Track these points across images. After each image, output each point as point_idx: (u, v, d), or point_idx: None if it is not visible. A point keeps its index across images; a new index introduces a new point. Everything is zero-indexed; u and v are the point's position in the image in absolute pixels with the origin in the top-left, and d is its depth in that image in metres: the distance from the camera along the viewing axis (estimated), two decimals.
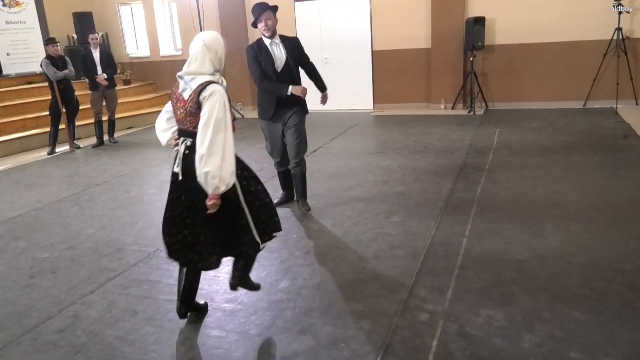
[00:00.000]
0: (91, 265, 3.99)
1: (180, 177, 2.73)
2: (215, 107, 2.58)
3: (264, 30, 4.30)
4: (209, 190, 2.58)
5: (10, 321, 3.24)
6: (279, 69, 4.41)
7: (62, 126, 8.18)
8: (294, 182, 4.84)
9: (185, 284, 2.98)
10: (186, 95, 2.70)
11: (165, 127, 3.01)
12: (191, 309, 3.08)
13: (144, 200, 5.56)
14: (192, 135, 2.66)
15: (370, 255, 3.83)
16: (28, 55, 10.54)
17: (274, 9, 4.33)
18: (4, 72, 10.72)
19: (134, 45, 12.72)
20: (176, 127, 2.90)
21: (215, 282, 3.57)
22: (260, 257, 3.89)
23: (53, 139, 8.14)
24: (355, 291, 3.32)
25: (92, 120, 8.53)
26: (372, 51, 10.13)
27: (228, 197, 2.71)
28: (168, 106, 2.96)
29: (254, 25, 4.36)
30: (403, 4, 9.72)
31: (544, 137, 7.17)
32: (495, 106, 9.61)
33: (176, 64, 11.96)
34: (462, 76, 9.61)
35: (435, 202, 4.84)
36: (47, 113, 8.15)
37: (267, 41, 4.37)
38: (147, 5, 11.93)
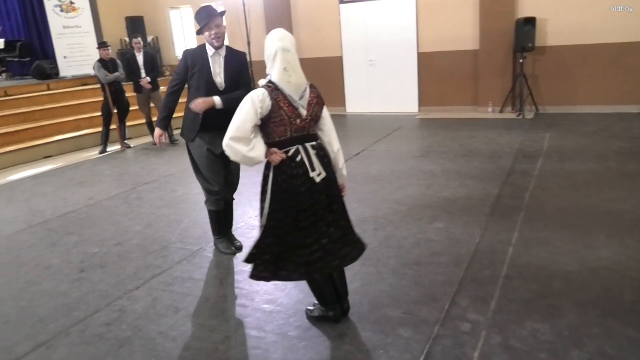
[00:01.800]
0: (137, 261, 4.10)
1: (318, 180, 2.72)
2: (325, 107, 2.86)
3: (213, 39, 3.68)
4: (343, 180, 2.93)
5: (60, 313, 3.37)
6: (212, 85, 3.74)
7: (113, 126, 8.48)
8: (227, 214, 4.16)
9: (329, 287, 2.97)
10: (302, 111, 2.70)
11: (250, 140, 2.67)
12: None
13: (189, 199, 5.68)
14: (312, 137, 2.77)
15: (412, 260, 3.77)
16: (83, 58, 10.99)
17: (223, 14, 3.79)
18: (61, 74, 11.23)
19: (183, 48, 13.04)
20: (262, 142, 2.70)
21: (255, 282, 3.58)
22: None
23: (105, 139, 8.45)
24: (395, 297, 3.28)
25: (144, 121, 8.83)
26: (418, 53, 10.00)
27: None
28: (252, 118, 2.63)
29: (199, 32, 3.72)
30: (450, 5, 9.55)
31: (598, 142, 6.87)
32: (546, 110, 9.29)
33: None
34: (511, 78, 9.34)
35: (480, 208, 4.72)
36: (100, 114, 8.47)
37: (210, 51, 3.75)
38: (195, 9, 12.18)
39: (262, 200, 2.78)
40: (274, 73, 2.65)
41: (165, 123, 4.02)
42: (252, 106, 2.62)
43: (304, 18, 10.91)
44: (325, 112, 2.84)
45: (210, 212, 4.05)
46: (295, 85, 2.65)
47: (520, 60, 8.95)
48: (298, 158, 2.70)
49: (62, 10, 11.00)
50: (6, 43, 12.48)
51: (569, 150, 6.58)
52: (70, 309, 3.41)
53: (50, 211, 5.54)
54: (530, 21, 8.72)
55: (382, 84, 10.44)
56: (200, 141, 3.80)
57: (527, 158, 6.33)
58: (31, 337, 3.10)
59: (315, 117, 2.76)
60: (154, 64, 8.72)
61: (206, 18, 3.65)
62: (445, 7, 9.57)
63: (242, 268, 3.81)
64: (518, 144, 7.04)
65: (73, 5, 11.06)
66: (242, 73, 3.86)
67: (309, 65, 11.05)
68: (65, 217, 5.32)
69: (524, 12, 8.97)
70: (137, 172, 7.06)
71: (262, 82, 2.73)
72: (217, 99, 3.66)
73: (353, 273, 3.61)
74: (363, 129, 9.09)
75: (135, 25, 11.67)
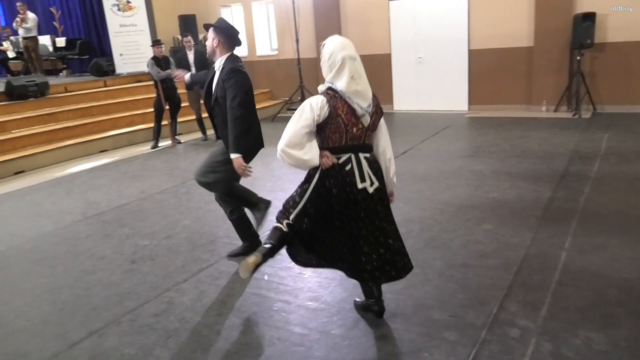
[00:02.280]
0: (186, 255, 4.20)
1: (371, 191, 2.72)
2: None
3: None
4: (393, 187, 2.94)
5: (113, 302, 3.49)
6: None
7: (165, 122, 8.73)
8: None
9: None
10: (365, 121, 2.70)
11: (304, 146, 2.67)
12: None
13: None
14: (367, 147, 2.76)
15: (459, 263, 3.69)
16: (138, 55, 11.36)
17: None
18: (117, 71, 11.65)
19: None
20: (316, 146, 2.69)
21: (300, 279, 3.62)
22: None
23: (156, 134, 8.70)
24: (441, 299, 3.21)
25: (194, 118, 9.04)
26: (469, 50, 9.76)
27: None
28: (309, 124, 2.64)
29: (237, 45, 3.88)
30: (504, 0, 9.27)
31: None
32: (605, 109, 8.88)
33: (271, 63, 12.35)
34: (567, 76, 8.99)
35: (531, 211, 4.57)
36: (152, 110, 8.73)
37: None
38: (246, 7, 12.38)
39: (300, 196, 2.81)
40: (341, 82, 2.63)
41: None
42: (310, 113, 2.63)
43: (353, 15, 10.86)
44: (382, 121, 2.83)
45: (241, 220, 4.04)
46: (363, 92, 2.66)
47: (578, 58, 8.59)
48: (348, 167, 2.70)
49: (119, 10, 11.41)
50: (67, 41, 13.07)
51: (629, 152, 6.27)
52: (121, 299, 3.53)
53: (105, 203, 5.76)
54: (589, 17, 8.36)
55: (431, 82, 10.27)
56: None
57: (583, 160, 6.07)
58: (85, 325, 3.23)
59: (372, 127, 2.75)
60: (204, 62, 8.90)
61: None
62: (499, 3, 9.31)
63: (287, 264, 3.83)
64: (573, 145, 6.76)
65: (129, 4, 11.44)
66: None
67: None
68: (118, 210, 5.51)
69: (582, 7, 8.60)
70: (187, 167, 7.23)
71: (321, 87, 2.72)
72: None
73: None
74: (410, 127, 8.97)
75: (188, 23, 11.95)
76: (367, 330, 2.94)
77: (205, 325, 3.13)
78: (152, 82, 8.79)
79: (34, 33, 11.50)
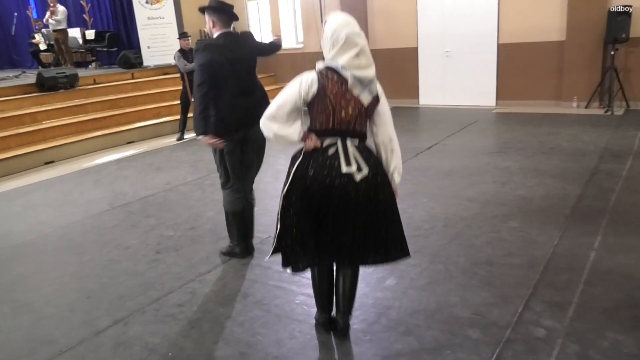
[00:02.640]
0: (209, 246, 4.24)
1: (358, 178, 2.50)
2: (387, 104, 2.63)
3: None
4: (398, 181, 2.68)
5: (137, 292, 3.55)
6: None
7: (190, 114, 8.80)
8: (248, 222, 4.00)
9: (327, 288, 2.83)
10: (366, 100, 2.51)
11: (286, 121, 2.54)
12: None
13: (259, 187, 5.76)
14: (358, 134, 2.56)
15: (483, 260, 3.63)
16: (165, 48, 11.48)
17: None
18: (144, 63, 11.80)
19: (259, 39, 13.29)
20: (300, 125, 2.57)
21: None
22: None
23: (182, 126, 8.78)
24: (464, 297, 3.17)
25: None
26: (498, 44, 9.58)
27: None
28: (294, 100, 2.52)
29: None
30: None
31: None
32: (639, 106, 8.63)
33: (296, 56, 12.33)
34: (599, 72, 8.74)
35: (559, 209, 4.47)
36: (178, 102, 8.82)
37: None
38: (272, 0, 12.38)
39: (284, 183, 2.64)
40: (344, 59, 2.46)
41: None
42: (297, 89, 2.50)
43: (380, 8, 10.77)
44: (383, 108, 2.61)
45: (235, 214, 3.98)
46: (368, 69, 2.49)
47: (612, 53, 8.34)
48: (331, 151, 2.52)
49: (147, 2, 11.53)
50: (96, 34, 13.29)
51: None
52: (146, 289, 3.58)
53: (131, 194, 5.85)
54: (625, 10, 8.10)
55: (458, 76, 10.13)
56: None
57: (614, 157, 5.91)
58: (111, 313, 3.29)
59: (365, 114, 2.55)
60: None
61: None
62: None
63: None
64: (605, 142, 6.59)
65: None
66: None
67: (382, 56, 10.94)
68: (144, 201, 5.59)
69: (618, 0, 8.35)
70: (211, 159, 7.19)
71: (319, 65, 2.57)
72: None
73: (421, 269, 3.54)
74: (436, 122, 8.87)
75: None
76: (388, 325, 2.92)
77: (227, 316, 3.15)
78: (178, 75, 8.87)
79: (63, 26, 11.72)
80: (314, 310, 3.14)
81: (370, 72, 2.51)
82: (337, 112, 2.50)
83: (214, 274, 3.73)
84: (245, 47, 3.75)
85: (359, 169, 2.52)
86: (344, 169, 2.51)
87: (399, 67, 10.72)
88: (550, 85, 9.30)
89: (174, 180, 6.29)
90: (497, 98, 9.85)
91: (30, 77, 10.47)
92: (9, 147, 7.64)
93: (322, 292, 2.83)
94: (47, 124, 8.48)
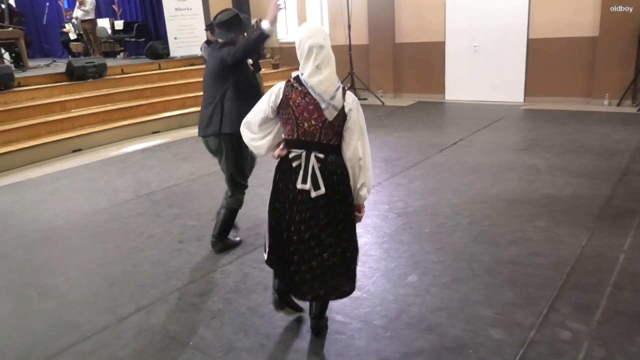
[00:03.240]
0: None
1: (313, 195, 2.47)
2: (360, 117, 2.50)
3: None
4: (362, 200, 2.58)
5: (160, 280, 3.59)
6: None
7: None
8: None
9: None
10: (329, 114, 2.42)
11: (258, 134, 2.62)
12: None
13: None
14: (325, 148, 2.47)
15: (508, 259, 3.57)
16: (191, 39, 11.54)
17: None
18: (171, 54, 11.89)
19: (285, 30, 13.27)
20: (273, 135, 2.61)
21: None
22: (390, 248, 3.85)
23: None
24: (488, 296, 3.12)
25: None
26: (528, 39, 9.38)
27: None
28: (264, 109, 2.56)
29: (234, 37, 3.88)
30: None
31: None
32: None
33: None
34: (633, 69, 8.49)
35: (588, 209, 4.36)
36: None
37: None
38: None
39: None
40: (306, 71, 2.43)
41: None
42: (267, 98, 2.54)
43: (408, 1, 10.62)
44: (352, 124, 2.47)
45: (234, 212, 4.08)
46: (327, 83, 2.41)
47: None
48: (295, 163, 2.49)
49: None
50: (125, 24, 13.43)
51: None
52: (169, 277, 3.62)
53: (156, 183, 5.91)
54: None
55: (485, 71, 9.95)
56: None
57: None
58: (134, 300, 3.33)
59: (330, 126, 2.45)
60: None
61: (242, 30, 3.89)
62: None
63: None
64: (637, 142, 6.40)
65: None
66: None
67: (408, 50, 10.85)
68: (168, 190, 5.65)
69: None
70: None
71: (293, 74, 2.57)
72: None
73: (444, 267, 3.50)
74: (462, 118, 8.74)
75: (242, 8, 11.99)
76: (410, 322, 2.90)
77: (248, 307, 3.16)
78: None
79: (91, 16, 11.90)
80: (335, 304, 3.13)
81: (330, 87, 2.41)
82: (300, 123, 2.47)
83: (236, 265, 3.75)
84: (211, 59, 3.94)
85: (316, 187, 2.46)
86: (299, 184, 2.49)
87: (425, 61, 10.58)
88: (581, 82, 9.07)
89: (197, 171, 6.33)
90: (525, 94, 9.66)
91: (60, 66, 10.65)
92: (38, 135, 7.80)
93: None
94: (75, 113, 8.62)
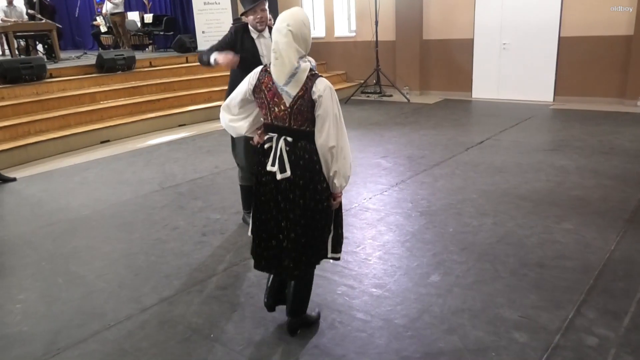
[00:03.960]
0: None
1: (279, 177, 2.49)
2: (333, 104, 2.45)
3: (257, 22, 3.82)
4: (337, 189, 2.57)
5: (183, 272, 3.62)
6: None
7: None
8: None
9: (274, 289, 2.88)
10: (286, 100, 2.45)
11: (237, 115, 2.70)
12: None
13: None
14: (296, 133, 2.48)
15: (534, 261, 3.50)
16: (219, 33, 11.53)
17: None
18: (199, 47, 11.98)
19: (312, 26, 13.26)
20: (253, 117, 2.68)
21: (365, 264, 3.58)
22: (413, 247, 3.81)
23: None
24: (512, 298, 3.07)
25: None
26: (560, 37, 9.16)
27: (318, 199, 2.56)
28: (244, 91, 2.62)
29: (244, 14, 3.88)
30: None
31: None
32: None
33: (348, 45, 12.25)
34: None
35: (618, 213, 4.25)
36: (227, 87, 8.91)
37: (254, 34, 3.88)
38: None
39: None
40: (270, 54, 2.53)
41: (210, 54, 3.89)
42: (247, 81, 2.60)
43: None
44: (324, 109, 2.43)
45: (242, 187, 4.26)
46: (280, 69, 2.43)
47: None
48: (266, 145, 2.55)
49: None
50: (154, 18, 13.60)
51: None
52: (192, 269, 3.66)
53: (181, 176, 5.98)
54: None
55: (514, 70, 9.77)
56: None
57: None
58: (157, 291, 3.37)
59: (299, 112, 2.44)
60: None
61: (252, 2, 3.75)
62: None
63: (352, 249, 3.81)
64: None
65: None
66: None
67: (436, 47, 10.72)
68: (193, 183, 5.70)
69: None
70: None
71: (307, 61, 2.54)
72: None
73: (467, 267, 3.46)
74: (489, 117, 8.60)
75: (269, 3, 12.05)
76: (431, 322, 2.87)
77: None
78: None
79: (121, 9, 12.08)
80: (356, 302, 3.13)
81: (281, 74, 2.43)
82: (271, 107, 2.51)
83: None
84: None
85: (282, 170, 2.49)
86: (268, 167, 2.53)
87: (452, 58, 10.44)
88: (613, 82, 8.83)
89: (222, 164, 6.38)
90: (555, 93, 9.45)
91: (90, 58, 10.85)
92: (68, 125, 7.96)
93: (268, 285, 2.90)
94: (104, 104, 8.77)
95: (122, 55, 9.85)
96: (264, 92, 2.51)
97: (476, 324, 2.82)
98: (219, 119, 2.90)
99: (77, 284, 3.53)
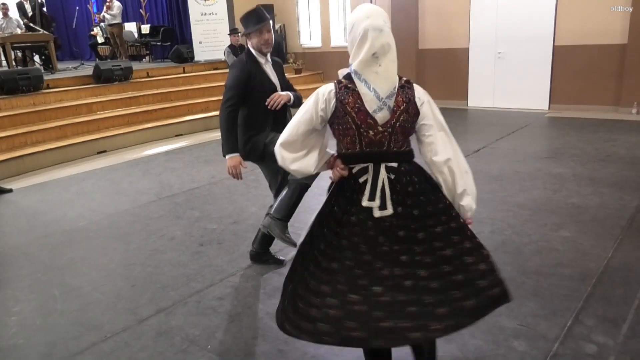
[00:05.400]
0: (251, 241, 4.26)
1: (377, 214, 1.96)
2: (437, 110, 2.04)
3: (263, 45, 3.36)
4: (468, 213, 2.06)
5: (180, 282, 3.61)
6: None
7: None
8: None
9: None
10: (385, 117, 1.96)
11: (300, 148, 2.08)
12: None
13: None
14: (397, 156, 2.01)
15: (532, 269, 3.50)
16: (216, 44, 11.69)
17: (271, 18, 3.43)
18: (196, 58, 12.04)
19: (308, 36, 13.33)
20: (319, 151, 2.10)
21: None
22: None
23: None
24: (510, 307, 3.03)
25: None
26: (554, 46, 9.23)
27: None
28: (309, 120, 2.04)
29: (247, 36, 3.45)
30: None
31: None
32: None
33: (344, 55, 12.28)
34: None
35: (615, 220, 4.26)
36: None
37: (261, 58, 3.42)
38: None
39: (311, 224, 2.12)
40: (358, 60, 1.96)
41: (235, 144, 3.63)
42: (313, 106, 2.02)
43: (432, 7, 10.58)
44: (433, 118, 2.03)
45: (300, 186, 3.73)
46: (384, 77, 1.95)
47: None
48: (362, 179, 2.01)
49: None
50: (151, 28, 13.67)
51: None
52: (188, 280, 3.64)
53: (178, 186, 5.97)
54: None
55: (510, 78, 9.84)
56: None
57: None
58: (154, 302, 3.36)
59: (402, 130, 1.99)
60: (279, 51, 9.00)
61: (258, 22, 3.34)
62: None
63: None
64: None
65: None
66: (285, 78, 3.60)
67: (431, 56, 10.79)
68: (190, 193, 5.70)
69: None
70: None
71: (341, 72, 2.09)
72: (290, 94, 3.42)
73: None
74: (485, 125, 8.64)
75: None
76: None
77: (267, 312, 3.15)
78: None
79: (118, 20, 12.15)
80: None
81: (388, 82, 1.95)
82: (363, 132, 1.97)
83: (255, 269, 3.75)
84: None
85: (383, 206, 1.97)
86: (364, 202, 1.98)
87: (448, 67, 10.51)
88: (608, 90, 8.89)
89: (219, 174, 6.37)
90: (551, 102, 9.51)
91: (88, 68, 10.88)
92: (65, 136, 7.96)
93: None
94: (101, 115, 8.78)
95: (120, 65, 9.88)
96: (351, 115, 1.96)
97: (475, 333, 2.81)
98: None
99: (74, 295, 3.51)
